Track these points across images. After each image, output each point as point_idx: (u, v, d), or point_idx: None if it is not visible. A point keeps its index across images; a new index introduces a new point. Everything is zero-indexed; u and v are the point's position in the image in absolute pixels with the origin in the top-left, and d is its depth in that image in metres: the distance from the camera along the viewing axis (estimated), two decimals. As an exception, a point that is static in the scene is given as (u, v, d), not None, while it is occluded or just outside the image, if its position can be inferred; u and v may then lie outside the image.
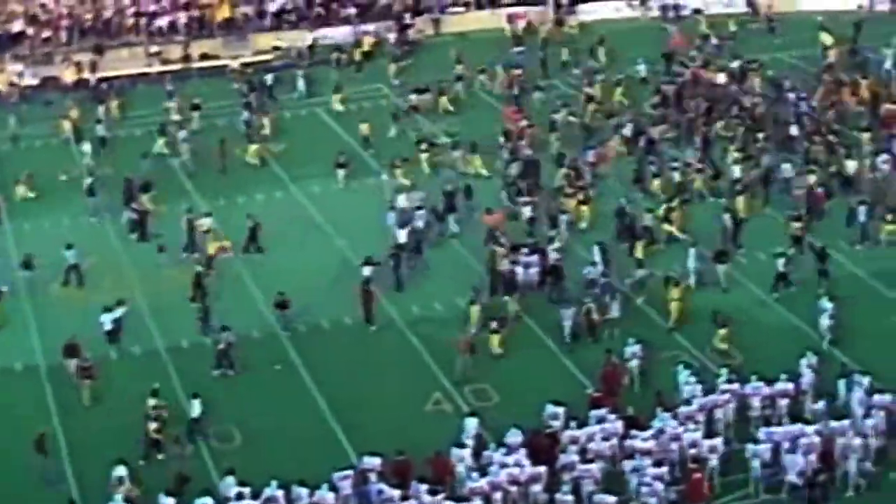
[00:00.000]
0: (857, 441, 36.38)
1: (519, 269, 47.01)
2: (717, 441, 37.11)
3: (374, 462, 36.82)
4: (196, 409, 39.83)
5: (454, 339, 42.56)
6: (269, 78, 66.60)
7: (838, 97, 59.89)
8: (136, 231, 52.26)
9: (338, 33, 72.99)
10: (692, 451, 36.77)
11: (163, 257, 49.75)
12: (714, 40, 68.68)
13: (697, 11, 73.88)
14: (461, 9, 75.99)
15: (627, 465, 36.53)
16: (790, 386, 39.02)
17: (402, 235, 48.86)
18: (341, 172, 55.75)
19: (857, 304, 45.05)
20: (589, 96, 61.14)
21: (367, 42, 71.79)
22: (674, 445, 37.11)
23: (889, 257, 47.84)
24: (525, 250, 47.76)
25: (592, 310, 43.77)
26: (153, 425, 38.95)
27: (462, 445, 37.36)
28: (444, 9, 75.93)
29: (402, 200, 51.72)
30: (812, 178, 51.69)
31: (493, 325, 43.39)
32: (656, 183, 52.90)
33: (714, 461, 36.63)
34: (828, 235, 48.92)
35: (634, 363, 41.69)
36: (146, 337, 45.25)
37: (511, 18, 73.79)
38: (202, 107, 63.30)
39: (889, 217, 49.18)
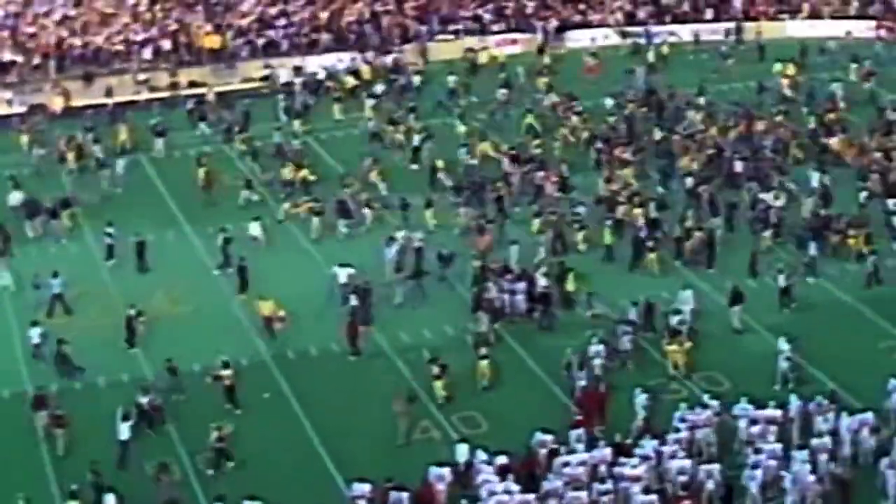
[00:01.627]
0: (815, 487, 36.30)
1: (505, 296, 46.98)
2: (715, 467, 37.09)
3: (364, 489, 36.76)
4: (125, 432, 39.79)
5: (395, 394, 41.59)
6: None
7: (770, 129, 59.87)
8: (111, 258, 52.21)
9: (329, 61, 73.10)
10: (681, 478, 36.72)
11: (39, 293, 49.34)
12: (640, 71, 69.04)
13: (697, 41, 74.71)
14: (451, 37, 76.12)
15: (598, 488, 36.47)
16: (779, 413, 39.05)
17: (343, 276, 48.25)
18: (316, 221, 53.99)
19: (846, 330, 45.23)
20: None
21: (365, 70, 71.88)
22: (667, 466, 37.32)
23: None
24: (510, 276, 47.77)
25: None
26: (214, 434, 39.57)
27: (441, 464, 37.42)
28: (433, 37, 76.08)
29: (400, 237, 51.01)
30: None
31: (435, 370, 42.59)
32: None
33: (711, 485, 36.61)
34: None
35: (597, 362, 42.31)
36: (134, 365, 45.16)
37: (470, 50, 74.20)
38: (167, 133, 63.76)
39: (852, 232, 49.70)
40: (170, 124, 65.19)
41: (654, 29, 75.37)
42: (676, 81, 66.92)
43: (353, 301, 46.58)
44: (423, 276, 48.72)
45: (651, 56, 71.84)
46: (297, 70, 71.49)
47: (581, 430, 38.71)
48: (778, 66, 68.21)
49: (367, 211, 53.92)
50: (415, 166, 59.37)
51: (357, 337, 45.35)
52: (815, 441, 37.75)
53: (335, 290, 48.02)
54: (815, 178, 54.79)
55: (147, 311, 47.48)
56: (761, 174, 55.24)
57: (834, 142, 58.07)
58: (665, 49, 72.62)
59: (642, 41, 74.44)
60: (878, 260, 48.34)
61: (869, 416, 38.59)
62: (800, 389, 40.66)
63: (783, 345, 42.47)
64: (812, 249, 49.08)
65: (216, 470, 39.16)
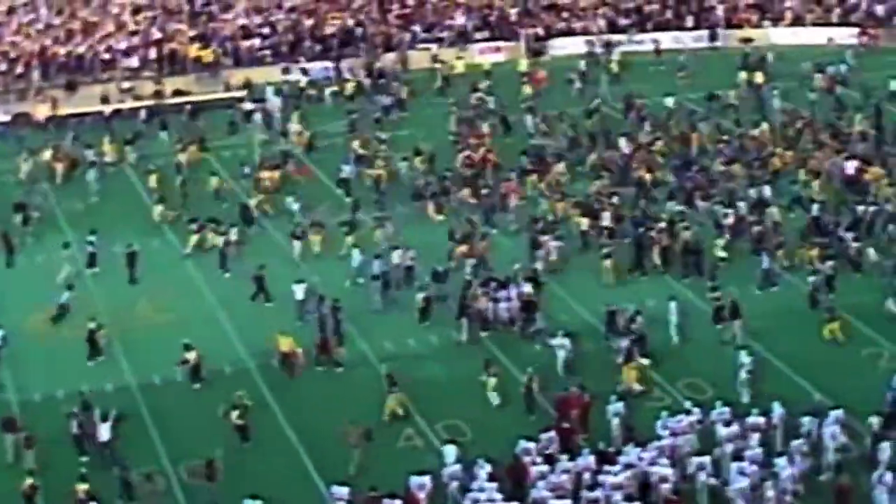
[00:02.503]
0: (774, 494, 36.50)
1: (490, 305, 46.95)
2: (706, 458, 37.23)
3: (343, 492, 36.79)
4: (105, 433, 39.87)
5: (347, 430, 40.15)
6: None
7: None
8: (93, 266, 52.24)
9: (314, 69, 73.18)
10: (664, 486, 36.70)
11: None
12: (577, 84, 69.38)
13: (658, 51, 74.91)
14: (434, 45, 76.15)
15: (587, 496, 36.47)
16: (761, 420, 39.12)
17: (300, 292, 48.09)
18: (297, 245, 52.93)
19: (829, 338, 45.32)
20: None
21: (350, 79, 71.88)
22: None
23: (862, 290, 47.99)
24: (494, 284, 47.78)
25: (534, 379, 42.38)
26: (235, 413, 40.48)
27: (421, 473, 37.38)
28: (414, 45, 76.08)
29: (396, 256, 50.61)
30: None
31: (389, 385, 42.35)
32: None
33: (703, 477, 36.71)
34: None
35: (562, 354, 42.73)
36: (116, 373, 45.15)
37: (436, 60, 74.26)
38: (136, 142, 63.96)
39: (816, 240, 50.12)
40: (153, 133, 65.66)
41: (613, 38, 75.61)
42: (638, 91, 67.19)
43: (313, 316, 46.60)
44: (390, 283, 48.98)
45: (615, 66, 71.96)
46: (285, 70, 71.71)
47: (553, 433, 38.74)
48: (742, 75, 68.18)
49: (315, 237, 53.22)
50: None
51: (327, 349, 45.31)
52: (793, 443, 37.86)
53: (300, 306, 48.03)
54: (763, 191, 54.73)
55: (131, 319, 47.75)
56: (703, 187, 55.47)
57: (777, 156, 57.71)
58: (617, 58, 72.70)
59: (600, 51, 74.54)
60: (818, 280, 47.89)
61: (840, 412, 38.77)
62: (760, 401, 40.52)
63: (744, 358, 42.31)
64: (764, 261, 49.08)
65: (247, 442, 40.28)
